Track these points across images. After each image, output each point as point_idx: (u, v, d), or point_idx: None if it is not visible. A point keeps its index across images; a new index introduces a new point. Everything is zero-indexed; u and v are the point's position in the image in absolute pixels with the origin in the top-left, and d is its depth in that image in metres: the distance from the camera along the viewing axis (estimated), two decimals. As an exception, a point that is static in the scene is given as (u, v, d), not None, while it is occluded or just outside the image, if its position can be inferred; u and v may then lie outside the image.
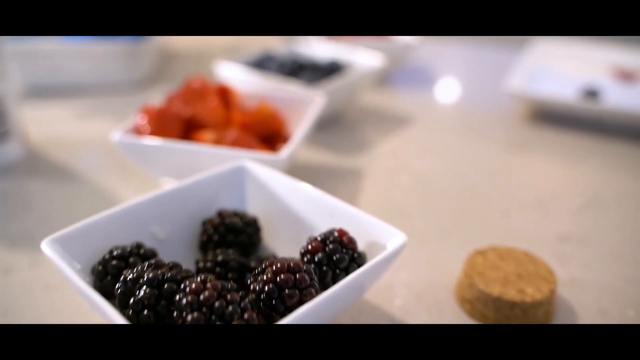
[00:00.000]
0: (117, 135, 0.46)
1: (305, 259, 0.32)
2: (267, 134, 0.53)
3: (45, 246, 0.32)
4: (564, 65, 0.87)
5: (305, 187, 0.37)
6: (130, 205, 0.36)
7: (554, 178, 0.57)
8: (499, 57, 1.04)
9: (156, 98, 0.75)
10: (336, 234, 0.32)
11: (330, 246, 0.32)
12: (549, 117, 0.72)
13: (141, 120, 0.48)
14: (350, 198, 0.52)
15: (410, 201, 0.51)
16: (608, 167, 0.59)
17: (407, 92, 0.83)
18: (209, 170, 0.39)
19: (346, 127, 0.68)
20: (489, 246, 0.41)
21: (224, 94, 0.55)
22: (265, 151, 0.49)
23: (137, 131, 0.49)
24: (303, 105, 0.56)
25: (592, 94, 0.72)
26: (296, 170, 0.56)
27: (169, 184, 0.50)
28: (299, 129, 0.50)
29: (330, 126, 0.67)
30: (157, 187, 0.52)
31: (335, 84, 0.62)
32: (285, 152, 0.44)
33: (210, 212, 0.39)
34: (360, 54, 0.73)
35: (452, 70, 0.97)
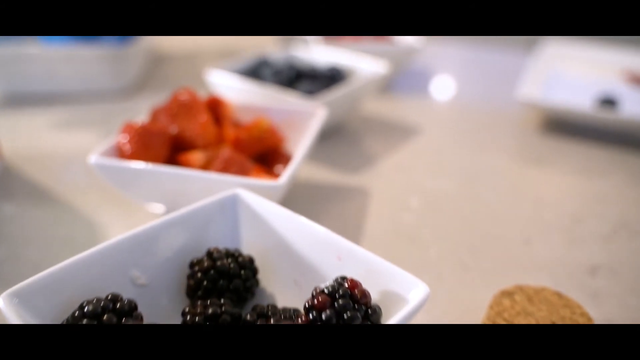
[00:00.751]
0: (94, 157, 0.41)
1: (311, 316, 0.27)
2: (263, 151, 0.48)
3: (2, 302, 0.27)
4: (575, 69, 0.82)
5: (309, 224, 0.32)
6: (105, 247, 0.31)
7: (577, 197, 0.52)
8: (506, 59, 0.99)
9: (144, 106, 0.70)
10: (346, 285, 0.28)
11: (340, 301, 0.27)
12: (564, 127, 0.67)
13: (122, 138, 0.43)
14: (355, 222, 0.47)
15: (422, 226, 0.47)
16: (635, 184, 0.55)
17: (411, 99, 0.78)
18: (197, 203, 0.34)
19: (347, 138, 0.64)
20: (516, 286, 0.36)
21: (215, 107, 0.50)
22: (261, 174, 0.44)
23: (118, 151, 0.44)
24: (303, 119, 0.52)
25: (609, 102, 0.67)
26: (294, 188, 0.51)
27: (155, 209, 0.45)
28: (299, 148, 0.45)
29: (330, 137, 0.62)
30: (143, 211, 0.47)
31: (336, 93, 0.57)
32: (284, 177, 0.39)
33: (199, 251, 0.34)
34: (362, 60, 0.68)
35: (457, 74, 0.92)
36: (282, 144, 0.50)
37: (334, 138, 0.63)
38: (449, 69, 0.95)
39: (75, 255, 0.30)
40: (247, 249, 0.35)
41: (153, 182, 0.41)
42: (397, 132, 0.66)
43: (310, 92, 0.58)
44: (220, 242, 0.35)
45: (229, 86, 0.60)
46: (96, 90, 0.74)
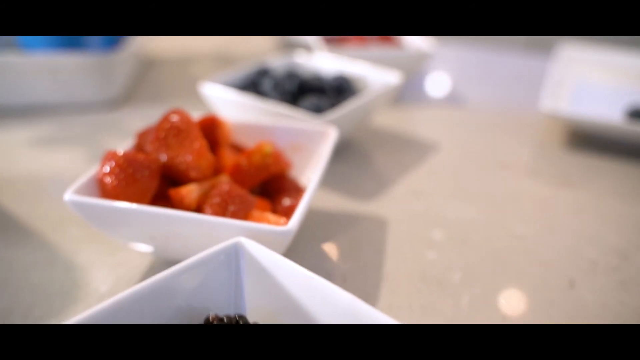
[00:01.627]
0: (68, 194, 0.35)
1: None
2: (266, 179, 0.42)
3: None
4: (598, 75, 0.77)
5: (330, 288, 0.26)
6: (80, 320, 0.25)
7: (619, 227, 0.47)
8: (523, 63, 0.93)
9: (134, 118, 0.64)
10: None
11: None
12: (592, 141, 0.62)
13: (104, 170, 0.37)
14: (373, 262, 0.41)
15: (449, 267, 0.41)
16: (679, 210, 0.49)
17: (422, 108, 0.73)
18: (190, 259, 0.28)
19: (356, 157, 0.58)
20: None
21: (211, 129, 0.44)
22: (265, 211, 0.38)
23: (99, 185, 0.37)
24: (311, 140, 0.46)
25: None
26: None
27: (142, 248, 0.39)
28: (310, 179, 0.40)
29: (337, 156, 0.56)
30: (128, 248, 0.41)
31: (346, 109, 0.51)
32: (294, 221, 0.33)
33: (195, 319, 0.28)
34: (371, 69, 0.62)
35: (470, 80, 0.86)
36: (288, 170, 0.44)
37: (341, 156, 0.57)
38: (460, 74, 0.89)
39: (48, 314, 0.24)
40: (252, 315, 0.29)
41: (140, 224, 0.35)
42: (410, 149, 0.60)
43: (318, 109, 0.52)
44: (220, 306, 0.29)
45: (225, 100, 0.54)
46: (80, 103, 0.68)
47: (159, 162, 0.38)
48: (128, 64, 0.75)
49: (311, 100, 0.53)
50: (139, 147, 0.42)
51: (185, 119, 0.40)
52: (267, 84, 0.58)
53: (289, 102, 0.55)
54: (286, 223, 0.36)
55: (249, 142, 0.47)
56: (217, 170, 0.41)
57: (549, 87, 0.66)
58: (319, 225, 0.45)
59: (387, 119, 0.67)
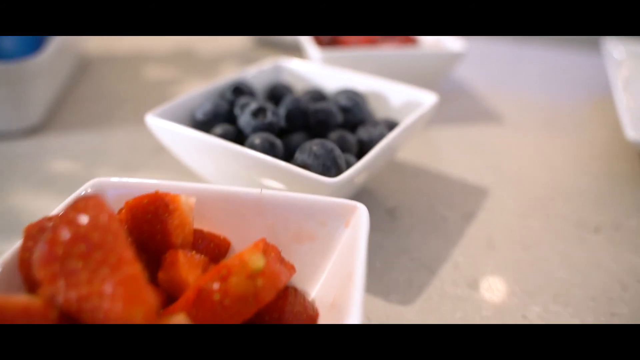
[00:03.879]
0: None
1: None
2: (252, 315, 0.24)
3: None
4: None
5: None
6: None
7: None
8: (560, 59, 0.77)
9: (60, 153, 0.45)
10: None
11: None
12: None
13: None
14: None
15: None
16: None
17: (453, 127, 0.55)
18: None
19: (379, 214, 0.40)
20: None
21: (156, 217, 0.25)
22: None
23: None
24: (327, 225, 0.28)
25: None
26: None
27: None
28: (341, 306, 0.22)
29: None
30: None
31: (370, 158, 0.33)
32: None
33: None
34: (393, 85, 0.45)
35: (506, 85, 0.69)
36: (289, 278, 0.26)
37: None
38: (488, 76, 0.71)
39: None
40: None
41: None
42: (449, 195, 0.43)
43: (330, 161, 0.33)
44: None
45: (182, 141, 0.36)
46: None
47: (53, 314, 0.20)
48: (54, 71, 0.55)
49: (315, 145, 0.34)
50: (25, 262, 0.23)
51: (101, 221, 0.21)
52: (243, 112, 0.39)
53: (278, 142, 0.36)
54: None
55: (222, 224, 0.29)
56: (168, 300, 0.23)
57: (624, 104, 0.49)
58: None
59: (411, 146, 0.50)
